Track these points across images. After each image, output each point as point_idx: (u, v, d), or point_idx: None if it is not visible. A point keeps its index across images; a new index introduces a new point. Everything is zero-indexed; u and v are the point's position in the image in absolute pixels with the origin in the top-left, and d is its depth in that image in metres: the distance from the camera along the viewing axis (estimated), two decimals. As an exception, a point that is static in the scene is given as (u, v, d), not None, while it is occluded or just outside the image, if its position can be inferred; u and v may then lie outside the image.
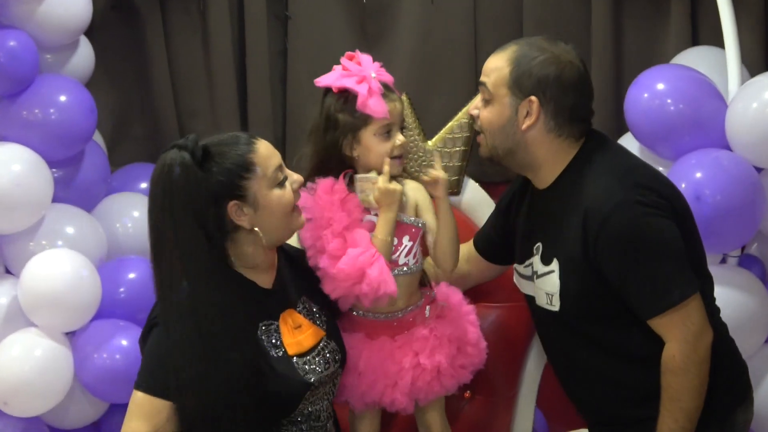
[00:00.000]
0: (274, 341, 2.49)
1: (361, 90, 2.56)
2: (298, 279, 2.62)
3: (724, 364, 2.59)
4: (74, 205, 3.37)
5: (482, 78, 2.58)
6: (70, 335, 3.27)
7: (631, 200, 2.42)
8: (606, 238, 2.43)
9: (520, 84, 2.50)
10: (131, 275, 3.34)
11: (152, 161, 3.63)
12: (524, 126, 2.52)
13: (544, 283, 2.60)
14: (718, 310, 2.65)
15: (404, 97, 2.96)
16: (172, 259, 2.36)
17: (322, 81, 2.63)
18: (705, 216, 2.92)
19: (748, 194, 2.99)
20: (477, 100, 2.62)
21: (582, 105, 2.57)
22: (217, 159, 2.41)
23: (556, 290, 2.56)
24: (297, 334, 2.52)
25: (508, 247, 2.79)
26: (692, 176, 2.98)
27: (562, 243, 2.53)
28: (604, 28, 3.53)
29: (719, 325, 2.63)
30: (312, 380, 2.50)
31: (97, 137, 3.56)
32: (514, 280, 2.78)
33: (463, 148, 3.12)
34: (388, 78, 2.63)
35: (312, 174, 2.64)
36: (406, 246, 2.64)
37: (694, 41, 3.49)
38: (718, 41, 3.21)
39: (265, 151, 2.45)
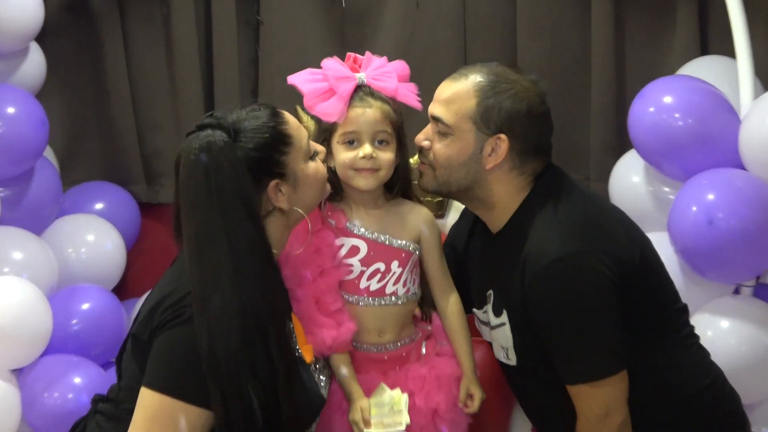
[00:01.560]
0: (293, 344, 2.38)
1: (309, 89, 2.51)
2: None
3: (711, 397, 2.56)
4: (22, 228, 3.34)
5: (436, 109, 2.49)
6: (17, 372, 3.23)
7: (567, 260, 2.35)
8: (534, 294, 2.38)
9: (488, 119, 2.42)
10: (85, 306, 3.31)
11: (108, 179, 3.90)
12: (489, 165, 2.45)
13: (498, 335, 2.56)
14: (697, 336, 2.61)
15: None
16: (219, 253, 2.17)
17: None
18: (717, 242, 2.87)
19: (765, 218, 2.88)
20: (428, 131, 2.53)
21: (546, 141, 2.52)
22: (251, 134, 2.26)
23: (510, 344, 2.52)
24: (305, 341, 2.43)
25: (464, 290, 2.70)
26: (704, 198, 2.90)
27: (508, 294, 2.48)
28: (605, 35, 3.48)
29: (700, 353, 2.60)
30: (325, 395, 2.43)
31: (49, 153, 3.56)
32: (476, 325, 2.71)
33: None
34: (385, 86, 2.54)
35: None
36: (394, 273, 2.54)
37: (703, 51, 3.43)
38: (729, 50, 3.17)
39: (294, 122, 2.35)
